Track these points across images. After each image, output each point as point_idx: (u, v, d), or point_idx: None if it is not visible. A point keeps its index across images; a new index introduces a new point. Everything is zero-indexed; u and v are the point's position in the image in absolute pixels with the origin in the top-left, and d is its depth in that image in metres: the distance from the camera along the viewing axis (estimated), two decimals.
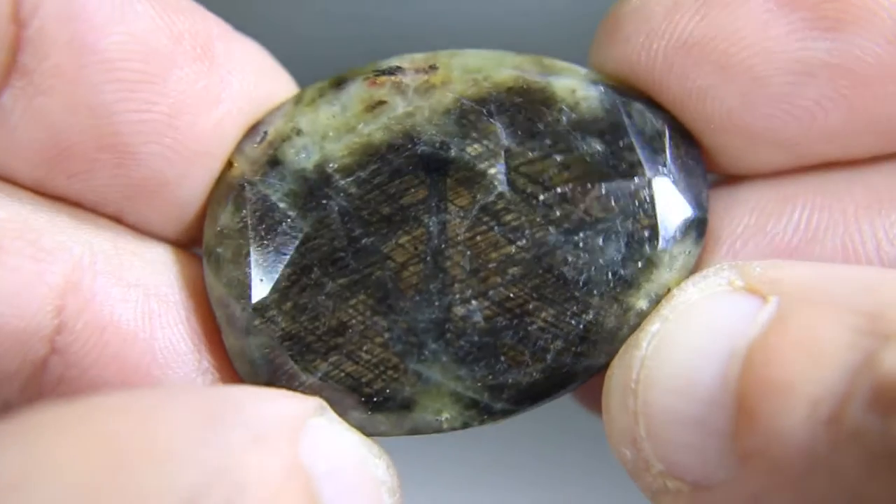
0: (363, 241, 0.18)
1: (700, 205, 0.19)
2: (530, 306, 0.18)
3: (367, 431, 0.18)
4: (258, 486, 0.14)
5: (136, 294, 0.18)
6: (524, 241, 0.18)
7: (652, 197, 0.18)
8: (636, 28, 0.18)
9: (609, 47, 0.19)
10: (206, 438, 0.14)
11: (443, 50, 0.19)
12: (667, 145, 0.18)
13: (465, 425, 0.18)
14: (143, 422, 0.14)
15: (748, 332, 0.16)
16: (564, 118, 0.18)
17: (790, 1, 0.17)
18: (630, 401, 0.17)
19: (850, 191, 0.19)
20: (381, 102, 0.19)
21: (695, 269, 0.18)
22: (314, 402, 0.17)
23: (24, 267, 0.17)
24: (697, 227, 0.18)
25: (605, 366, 0.18)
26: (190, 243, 0.20)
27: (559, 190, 0.18)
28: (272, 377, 0.18)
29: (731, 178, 0.20)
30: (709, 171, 0.19)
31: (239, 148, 0.19)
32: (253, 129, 0.19)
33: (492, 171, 0.18)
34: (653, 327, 0.17)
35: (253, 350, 0.18)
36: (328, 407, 0.17)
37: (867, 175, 0.19)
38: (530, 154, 0.18)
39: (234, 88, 0.18)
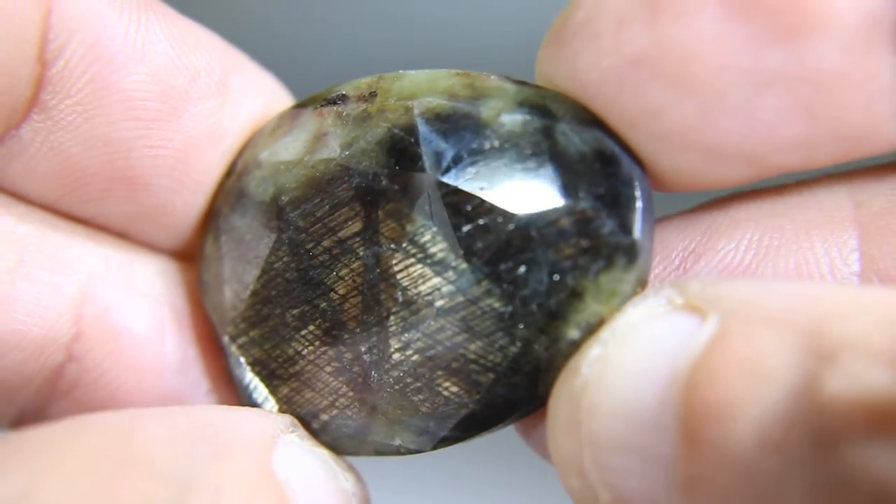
0: (310, 273, 0.18)
1: (627, 229, 0.17)
2: (459, 338, 0.17)
3: (337, 452, 0.18)
4: (233, 492, 0.14)
5: (147, 303, 0.19)
6: (450, 273, 0.17)
7: (573, 225, 0.17)
8: (584, 45, 0.17)
9: (555, 62, 0.18)
10: (182, 453, 0.14)
11: (389, 73, 0.19)
12: (592, 169, 0.17)
13: (420, 450, 0.18)
14: (126, 441, 0.14)
15: (689, 352, 0.15)
16: (488, 144, 0.18)
17: (743, 12, 0.16)
18: (574, 429, 0.16)
19: (803, 212, 0.18)
20: (325, 133, 0.19)
21: (634, 294, 0.17)
22: (286, 420, 0.17)
23: (43, 279, 0.18)
24: (627, 254, 0.17)
25: (545, 395, 0.17)
26: (193, 255, 0.21)
27: (481, 221, 0.17)
28: (251, 400, 0.19)
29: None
30: (659, 190, 0.18)
31: (221, 183, 0.19)
32: (234, 161, 0.19)
33: (418, 202, 0.18)
34: (593, 352, 0.16)
35: (234, 373, 0.19)
36: (298, 424, 0.18)
37: (819, 196, 0.18)
38: (452, 184, 0.18)
39: (241, 121, 0.19)
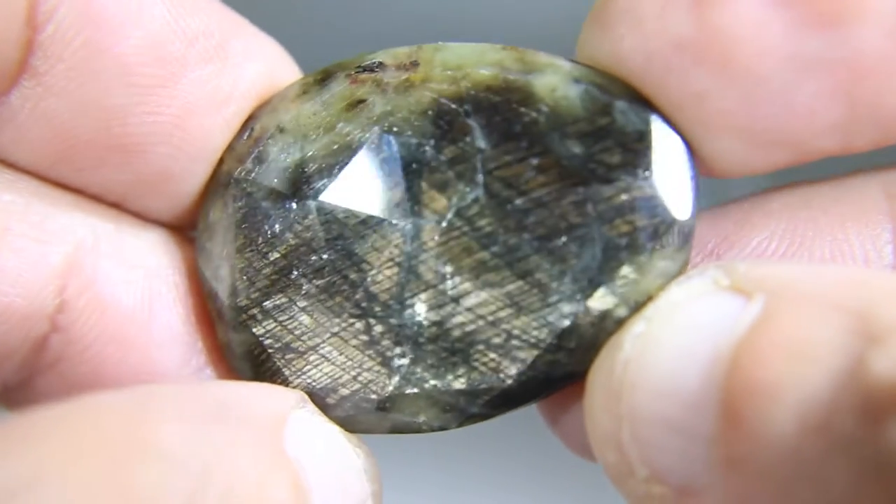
0: (340, 243, 0.18)
1: (683, 209, 0.17)
2: (503, 314, 0.17)
3: (348, 429, 0.18)
4: (248, 479, 0.14)
5: (137, 276, 0.19)
6: (498, 248, 0.17)
7: (631, 202, 0.17)
8: (629, 27, 0.18)
9: (600, 43, 0.18)
10: (195, 437, 0.14)
11: (429, 43, 0.19)
12: (650, 148, 0.17)
13: (443, 428, 0.18)
14: (136, 423, 0.14)
15: (733, 331, 0.15)
16: (543, 119, 0.17)
17: None
18: (614, 404, 0.16)
19: (837, 204, 0.18)
20: (361, 101, 0.18)
21: (680, 275, 0.18)
22: (295, 395, 0.17)
23: (28, 248, 0.18)
24: (680, 233, 0.17)
25: (584, 373, 0.17)
26: (189, 227, 0.20)
27: (534, 195, 0.17)
28: (256, 373, 0.18)
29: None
30: (703, 175, 0.18)
31: (230, 145, 0.19)
32: (244, 125, 0.19)
33: (467, 174, 0.18)
34: (636, 329, 0.16)
35: (237, 346, 0.18)
36: (308, 399, 0.18)
37: (853, 190, 0.19)
38: (506, 157, 0.17)
39: (245, 87, 0.19)
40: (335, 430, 0.18)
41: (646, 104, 0.18)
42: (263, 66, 0.19)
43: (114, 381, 0.18)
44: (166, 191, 0.19)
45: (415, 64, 0.18)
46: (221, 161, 0.19)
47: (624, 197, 0.17)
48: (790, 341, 0.14)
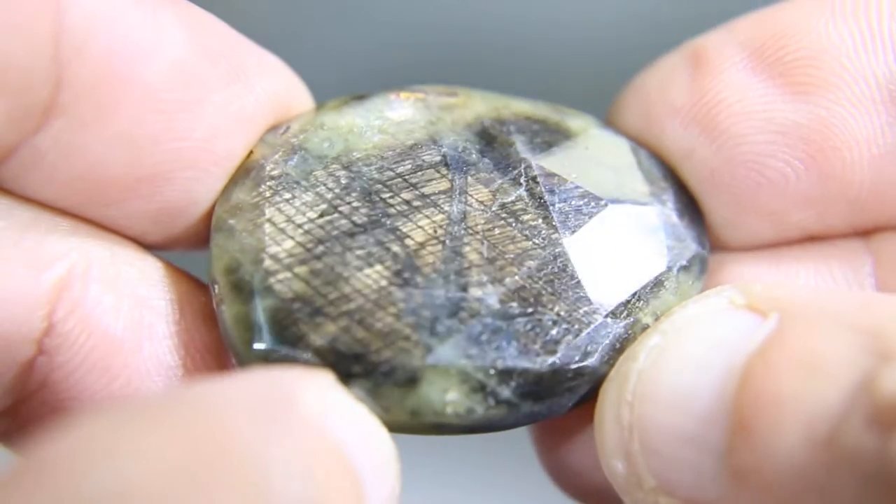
0: (383, 219, 0.18)
1: (702, 243, 0.20)
2: (544, 298, 0.18)
3: (369, 406, 0.18)
4: (305, 469, 0.14)
5: (126, 304, 0.18)
6: (541, 240, 0.18)
7: (663, 223, 0.19)
8: (636, 97, 0.20)
9: (617, 115, 0.21)
10: (269, 437, 0.14)
11: (461, 87, 0.20)
12: (671, 189, 0.20)
13: (469, 412, 0.18)
14: (213, 427, 0.14)
15: (747, 346, 0.15)
16: (580, 147, 0.19)
17: (766, 66, 0.19)
18: (625, 414, 0.16)
19: (820, 246, 0.20)
20: (404, 111, 0.19)
21: None
22: (328, 378, 0.16)
23: (18, 273, 0.17)
24: (700, 263, 0.19)
25: (599, 382, 0.18)
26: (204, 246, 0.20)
27: (575, 203, 0.19)
28: (276, 340, 0.18)
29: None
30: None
31: (261, 140, 0.19)
32: (274, 126, 0.19)
33: (511, 176, 0.19)
34: (651, 341, 0.17)
35: (258, 313, 0.18)
36: (337, 382, 0.17)
37: (835, 240, 0.20)
38: (547, 167, 0.19)
39: (265, 105, 0.19)
40: (370, 415, 0.17)
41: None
42: (280, 83, 0.19)
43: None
44: (188, 215, 0.19)
45: (454, 94, 0.20)
46: (250, 153, 0.19)
47: (656, 218, 0.19)
48: (802, 356, 0.15)
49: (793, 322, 0.15)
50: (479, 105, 0.20)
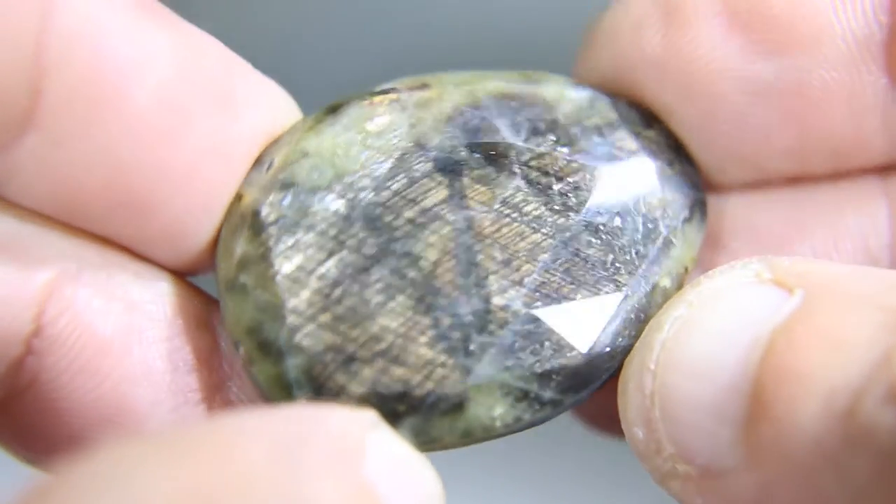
0: (392, 246, 0.18)
1: (698, 187, 0.20)
2: (565, 289, 0.18)
3: (421, 440, 0.18)
4: None
5: (116, 307, 0.18)
6: (548, 229, 0.18)
7: (657, 178, 0.19)
8: (606, 46, 0.20)
9: (586, 62, 0.20)
10: (284, 473, 0.13)
11: (428, 74, 0.20)
12: (657, 136, 0.20)
13: (517, 420, 0.18)
14: (227, 460, 0.13)
15: (772, 321, 0.16)
16: (560, 116, 0.19)
17: (742, 23, 0.18)
18: (648, 382, 0.17)
19: (834, 189, 0.20)
20: (381, 118, 0.19)
21: (699, 252, 0.20)
22: (370, 416, 0.16)
23: (8, 274, 0.17)
24: (700, 208, 0.20)
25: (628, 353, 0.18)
26: (198, 273, 0.19)
27: (571, 179, 0.19)
28: (315, 396, 0.18)
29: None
30: None
31: (247, 180, 0.18)
32: (258, 162, 0.19)
33: (504, 167, 0.19)
34: (677, 311, 0.17)
35: (291, 371, 0.17)
36: (381, 419, 0.16)
37: (849, 176, 0.20)
38: (537, 149, 0.19)
39: (252, 133, 0.18)
40: (410, 453, 0.16)
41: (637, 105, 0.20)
42: (268, 111, 0.19)
43: (84, 413, 0.18)
44: (177, 243, 0.18)
45: (426, 86, 0.19)
46: (239, 199, 0.18)
47: (650, 175, 0.19)
48: (826, 331, 0.15)
49: (818, 299, 0.16)
50: (453, 93, 0.19)
